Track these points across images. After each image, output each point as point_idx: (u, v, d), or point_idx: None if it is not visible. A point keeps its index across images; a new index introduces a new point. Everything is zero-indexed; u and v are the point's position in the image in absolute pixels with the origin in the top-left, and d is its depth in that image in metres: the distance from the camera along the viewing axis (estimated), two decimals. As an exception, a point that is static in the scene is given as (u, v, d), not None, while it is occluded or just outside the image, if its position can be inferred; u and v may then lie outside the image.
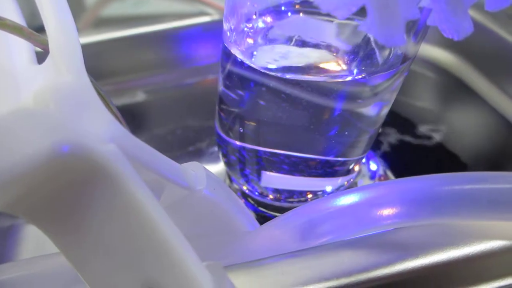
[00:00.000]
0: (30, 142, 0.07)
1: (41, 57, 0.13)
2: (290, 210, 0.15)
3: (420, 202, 0.14)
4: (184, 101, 0.32)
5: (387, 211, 0.14)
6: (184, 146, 0.28)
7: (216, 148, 0.27)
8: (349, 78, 0.17)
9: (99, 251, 0.10)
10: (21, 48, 0.12)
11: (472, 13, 0.12)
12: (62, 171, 0.08)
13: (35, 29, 0.13)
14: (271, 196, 0.22)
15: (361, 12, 0.12)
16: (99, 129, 0.10)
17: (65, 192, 0.09)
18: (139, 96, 0.32)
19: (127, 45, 0.31)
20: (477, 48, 0.27)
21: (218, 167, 0.26)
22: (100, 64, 0.31)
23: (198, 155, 0.27)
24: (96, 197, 0.10)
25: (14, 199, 0.07)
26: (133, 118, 0.31)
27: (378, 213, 0.14)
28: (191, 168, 0.14)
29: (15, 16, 0.13)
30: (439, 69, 0.29)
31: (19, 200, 0.07)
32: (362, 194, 0.14)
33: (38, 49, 0.13)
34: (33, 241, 0.23)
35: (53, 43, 0.11)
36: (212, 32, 0.31)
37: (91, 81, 0.11)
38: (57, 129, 0.08)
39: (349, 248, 0.14)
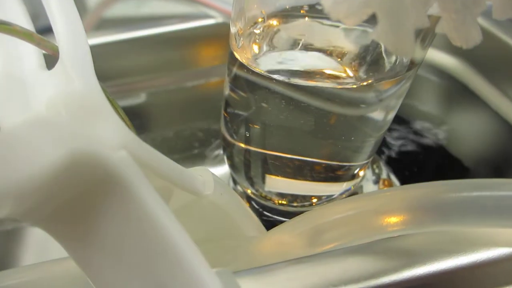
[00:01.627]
0: (44, 152, 0.07)
1: (48, 59, 0.13)
2: (297, 216, 0.15)
3: (426, 209, 0.14)
4: (187, 104, 0.32)
5: (393, 218, 0.14)
6: (188, 149, 0.28)
7: (220, 151, 0.27)
8: (355, 84, 0.17)
9: (110, 257, 0.10)
10: (30, 54, 0.12)
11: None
12: (75, 180, 0.08)
13: (38, 30, 0.13)
14: (275, 200, 0.22)
15: (368, 18, 0.12)
16: (110, 136, 0.10)
17: (78, 200, 0.09)
18: (142, 98, 0.32)
19: (129, 47, 0.31)
20: (481, 53, 0.27)
21: (222, 170, 0.26)
22: (102, 66, 0.31)
23: (202, 158, 0.27)
24: (107, 203, 0.10)
25: (30, 209, 0.07)
26: (135, 120, 0.31)
27: (385, 220, 0.14)
28: (199, 173, 0.14)
29: (25, 21, 0.13)
30: (443, 73, 0.29)
31: (34, 210, 0.07)
32: (369, 201, 0.14)
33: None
34: (36, 245, 0.23)
35: (63, 49, 0.11)
36: (215, 34, 0.31)
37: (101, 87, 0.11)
38: (70, 138, 0.08)
39: (356, 254, 0.14)
